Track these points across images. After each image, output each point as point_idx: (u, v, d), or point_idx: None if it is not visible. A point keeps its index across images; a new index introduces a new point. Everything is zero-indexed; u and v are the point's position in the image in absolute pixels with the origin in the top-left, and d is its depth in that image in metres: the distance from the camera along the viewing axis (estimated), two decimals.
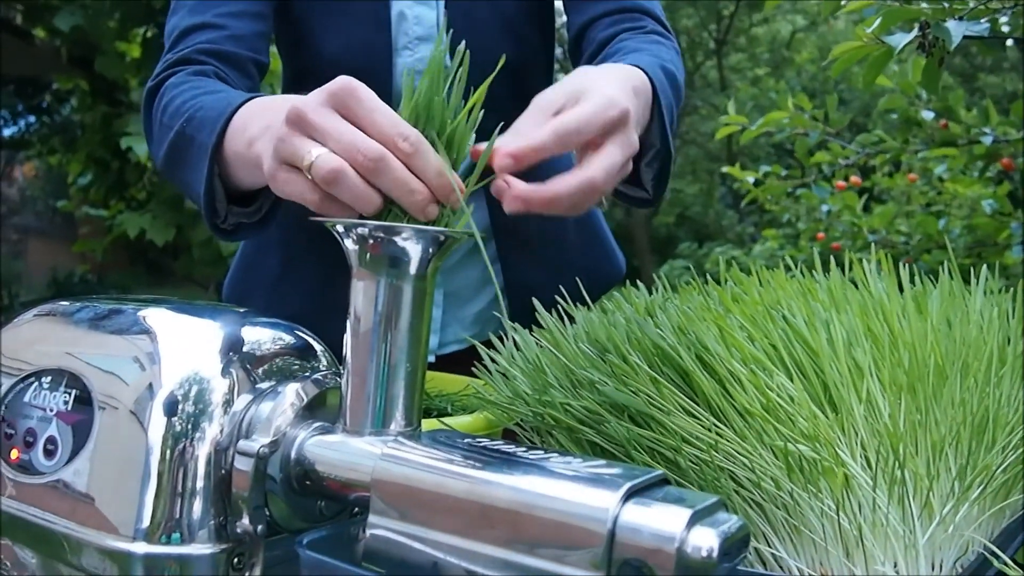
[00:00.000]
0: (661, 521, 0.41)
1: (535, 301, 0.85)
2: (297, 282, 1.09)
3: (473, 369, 0.85)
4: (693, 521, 0.41)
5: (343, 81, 0.60)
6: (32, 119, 7.75)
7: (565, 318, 0.85)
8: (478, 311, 1.10)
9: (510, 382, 0.80)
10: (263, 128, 0.69)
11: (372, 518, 0.47)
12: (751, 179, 2.57)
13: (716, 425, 0.68)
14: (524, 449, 0.48)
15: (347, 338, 0.51)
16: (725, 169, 2.65)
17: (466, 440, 0.49)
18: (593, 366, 0.75)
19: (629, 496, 0.42)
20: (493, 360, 0.84)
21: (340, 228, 0.49)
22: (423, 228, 0.48)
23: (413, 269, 0.49)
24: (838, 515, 0.63)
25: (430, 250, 0.49)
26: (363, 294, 0.49)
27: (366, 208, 0.59)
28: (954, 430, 0.69)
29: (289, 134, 0.61)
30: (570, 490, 0.43)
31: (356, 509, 0.56)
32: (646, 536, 0.41)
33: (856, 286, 0.82)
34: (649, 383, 0.71)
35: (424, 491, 0.46)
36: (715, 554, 0.40)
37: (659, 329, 0.75)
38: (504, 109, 1.04)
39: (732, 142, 10.39)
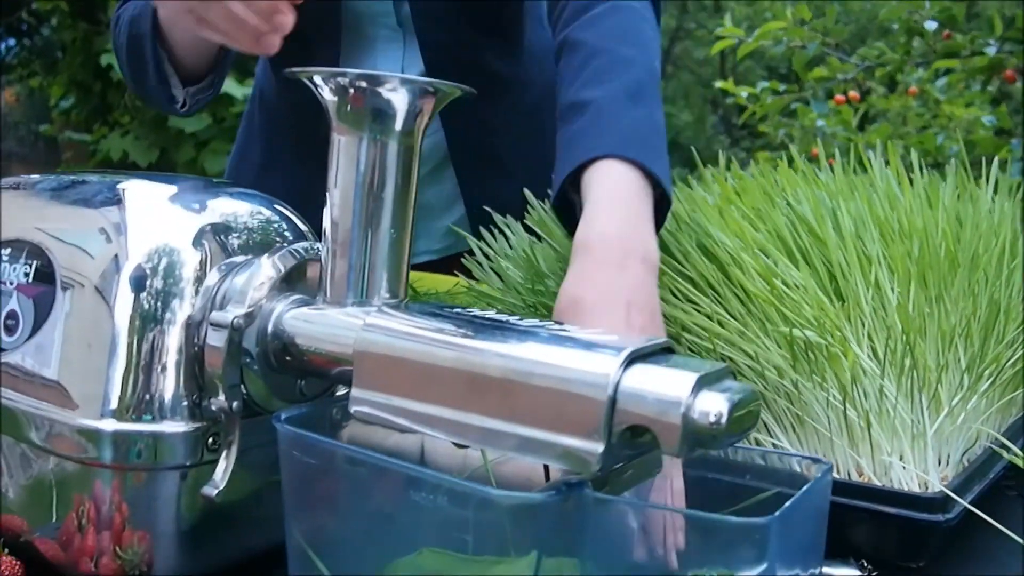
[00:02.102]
0: (665, 386, 0.38)
1: (506, 218, 0.81)
2: (278, 172, 1.05)
3: (462, 261, 0.82)
4: (700, 386, 0.38)
5: None
6: (12, 42, 7.58)
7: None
8: (450, 224, 1.07)
9: (504, 271, 0.77)
10: None
11: (355, 392, 0.44)
12: (745, 94, 2.50)
13: (717, 312, 0.65)
14: (517, 317, 0.44)
15: (327, 202, 0.47)
16: (719, 84, 2.59)
17: (455, 310, 0.46)
18: None
19: (631, 362, 0.39)
20: (487, 256, 0.81)
21: (317, 79, 0.44)
22: (410, 78, 0.44)
23: (399, 124, 0.45)
24: (844, 405, 0.60)
25: (418, 103, 0.45)
26: (344, 152, 0.45)
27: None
28: (964, 321, 0.66)
29: None
30: (567, 356, 0.40)
31: (338, 391, 0.53)
32: (649, 402, 0.38)
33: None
34: None
35: (410, 361, 0.43)
36: (724, 420, 0.37)
37: None
38: (454, 26, 0.97)
39: (725, 67, 10.24)
